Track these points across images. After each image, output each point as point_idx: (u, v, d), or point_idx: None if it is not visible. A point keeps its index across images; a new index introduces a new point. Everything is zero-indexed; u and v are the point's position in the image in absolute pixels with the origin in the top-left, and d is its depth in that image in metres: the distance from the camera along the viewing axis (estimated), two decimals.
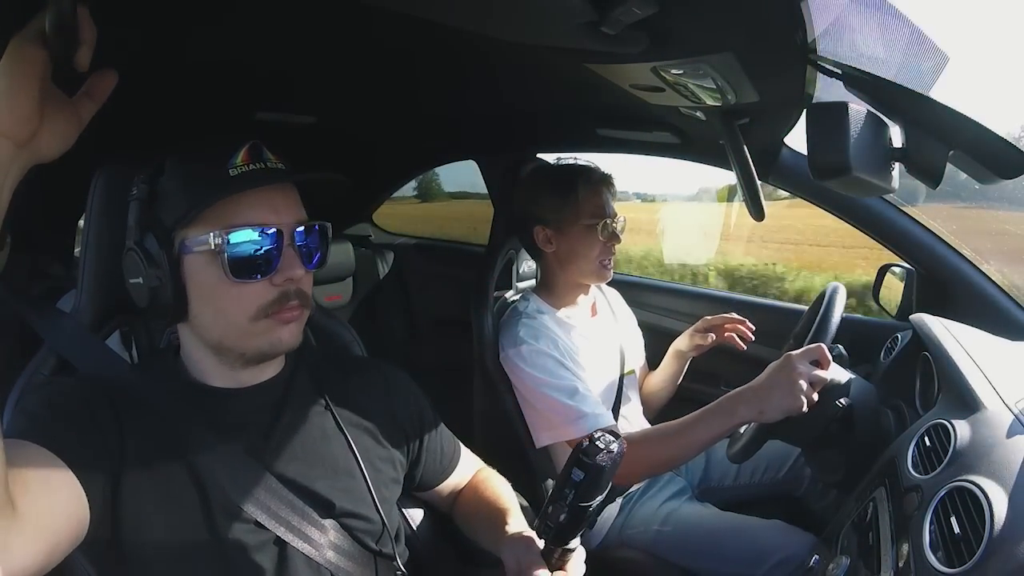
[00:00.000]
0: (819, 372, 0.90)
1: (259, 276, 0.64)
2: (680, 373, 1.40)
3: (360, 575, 0.71)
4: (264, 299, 0.65)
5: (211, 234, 0.62)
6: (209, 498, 0.63)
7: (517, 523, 0.79)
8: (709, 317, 1.33)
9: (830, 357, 0.91)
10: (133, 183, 0.67)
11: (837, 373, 1.02)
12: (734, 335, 1.30)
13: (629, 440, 1.06)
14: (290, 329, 0.67)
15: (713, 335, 1.32)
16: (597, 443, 0.63)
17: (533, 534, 0.71)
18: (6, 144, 0.46)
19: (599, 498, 0.64)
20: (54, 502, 0.53)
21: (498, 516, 0.81)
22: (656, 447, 1.02)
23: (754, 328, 1.30)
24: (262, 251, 0.64)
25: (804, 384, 0.88)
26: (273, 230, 0.64)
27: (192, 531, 0.62)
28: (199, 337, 0.68)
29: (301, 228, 0.67)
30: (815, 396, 0.90)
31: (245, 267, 0.63)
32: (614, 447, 0.63)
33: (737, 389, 0.97)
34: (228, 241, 0.62)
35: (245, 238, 0.63)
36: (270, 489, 0.66)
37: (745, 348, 1.31)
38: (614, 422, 1.14)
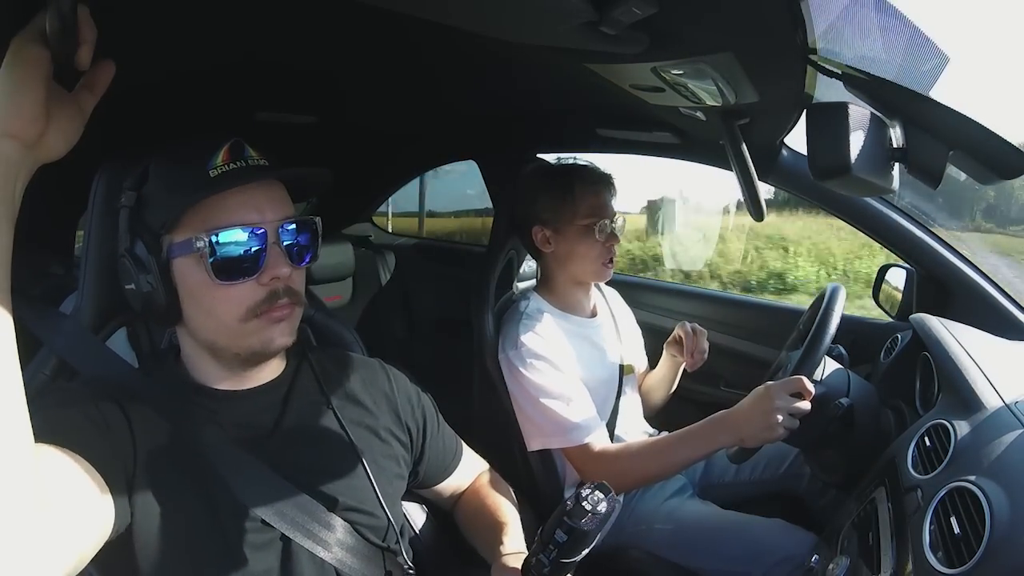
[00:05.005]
0: (798, 404, 0.92)
1: (245, 277, 0.63)
2: (674, 376, 1.39)
3: (367, 571, 0.71)
4: (252, 299, 0.64)
5: (194, 237, 0.62)
6: (215, 498, 0.63)
7: (513, 540, 0.79)
8: (679, 333, 1.28)
9: (811, 388, 0.92)
10: (121, 191, 0.66)
11: (835, 377, 1.02)
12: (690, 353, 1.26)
13: (610, 454, 1.08)
14: (281, 328, 0.67)
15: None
16: (584, 503, 0.60)
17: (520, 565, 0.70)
18: (15, 146, 0.47)
19: (585, 551, 0.62)
20: (82, 503, 0.53)
21: (496, 528, 0.81)
22: (638, 463, 1.06)
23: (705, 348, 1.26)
24: (247, 251, 0.63)
25: (780, 417, 0.91)
26: (257, 229, 0.63)
27: (198, 531, 0.62)
28: (195, 339, 0.68)
29: (287, 225, 0.66)
30: (796, 424, 0.92)
31: (230, 268, 0.63)
32: (602, 508, 0.60)
33: (720, 413, 1.01)
34: (210, 243, 0.61)
35: (228, 239, 0.62)
36: (275, 488, 0.66)
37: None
38: (606, 431, 1.14)
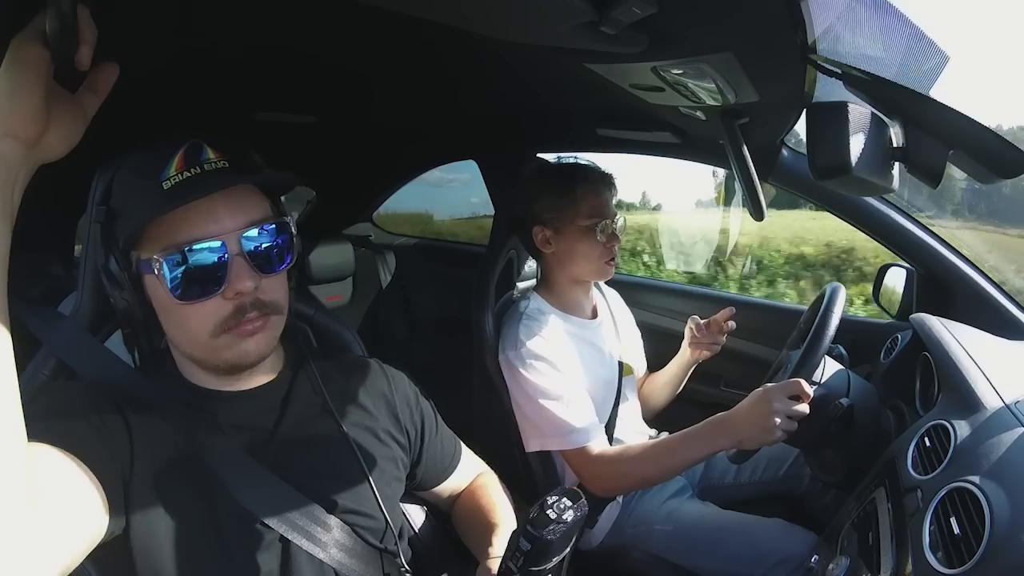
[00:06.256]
0: (796, 407, 0.92)
1: (208, 294, 0.61)
2: (683, 376, 1.40)
3: (364, 572, 0.71)
4: (220, 315, 0.62)
5: (152, 259, 0.60)
6: (214, 499, 0.63)
7: (501, 543, 0.77)
8: (695, 333, 1.33)
9: (809, 391, 0.93)
10: (91, 204, 0.65)
11: (835, 378, 1.02)
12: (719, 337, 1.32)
13: (608, 457, 1.08)
14: (256, 340, 0.65)
15: (711, 345, 1.33)
16: (548, 512, 0.57)
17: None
18: (15, 145, 0.47)
19: (556, 560, 0.59)
20: (75, 503, 0.53)
21: (487, 530, 0.81)
22: (637, 465, 1.06)
23: (734, 325, 1.31)
24: (206, 268, 0.60)
25: (778, 420, 0.91)
26: (215, 243, 0.60)
27: (198, 532, 0.62)
28: (178, 351, 0.69)
29: (252, 232, 0.63)
30: (794, 426, 0.93)
31: (190, 288, 0.60)
32: (568, 516, 0.57)
33: (719, 416, 1.01)
34: (167, 265, 0.59)
35: (185, 259, 0.59)
36: (274, 489, 0.66)
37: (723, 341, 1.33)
38: (604, 435, 1.14)
